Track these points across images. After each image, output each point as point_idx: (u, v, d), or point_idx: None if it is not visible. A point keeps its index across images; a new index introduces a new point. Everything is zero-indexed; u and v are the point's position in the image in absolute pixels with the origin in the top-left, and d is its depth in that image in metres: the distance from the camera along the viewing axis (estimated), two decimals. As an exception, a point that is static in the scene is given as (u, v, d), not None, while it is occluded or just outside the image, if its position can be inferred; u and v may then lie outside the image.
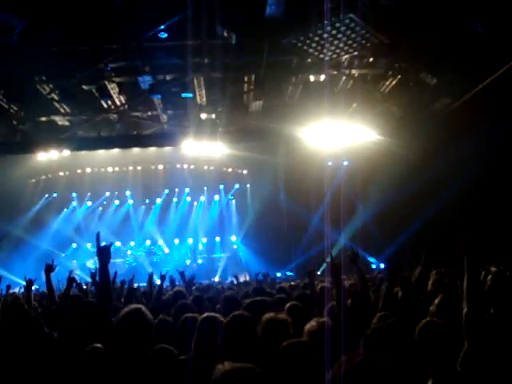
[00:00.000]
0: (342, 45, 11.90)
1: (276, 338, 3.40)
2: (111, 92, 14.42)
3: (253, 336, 3.59)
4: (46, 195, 21.03)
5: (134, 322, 3.24)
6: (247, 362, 2.49)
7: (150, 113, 17.12)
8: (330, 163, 20.01)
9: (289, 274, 18.29)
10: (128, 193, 21.47)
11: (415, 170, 16.52)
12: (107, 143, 18.13)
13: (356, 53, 12.69)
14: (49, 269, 5.79)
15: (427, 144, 15.90)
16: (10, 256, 18.89)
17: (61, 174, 21.22)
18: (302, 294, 6.32)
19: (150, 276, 7.59)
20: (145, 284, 8.86)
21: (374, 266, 17.83)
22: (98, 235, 3.53)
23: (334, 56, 12.53)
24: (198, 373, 3.38)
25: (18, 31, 11.13)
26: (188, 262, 20.29)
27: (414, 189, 16.55)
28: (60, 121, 16.46)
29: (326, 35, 11.43)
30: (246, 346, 3.44)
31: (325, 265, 6.80)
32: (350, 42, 11.82)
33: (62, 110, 15.66)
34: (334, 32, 11.35)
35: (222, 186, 22.13)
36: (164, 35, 11.98)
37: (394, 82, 14.65)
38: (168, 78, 14.29)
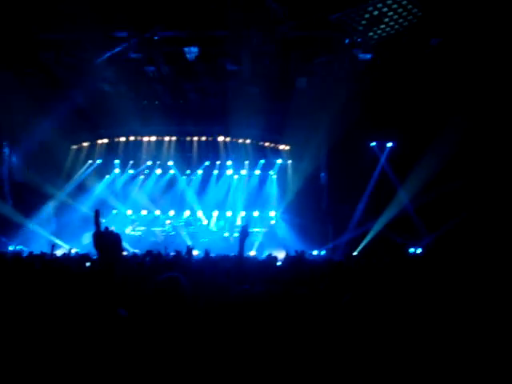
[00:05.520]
0: (392, 22, 11.65)
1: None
2: (157, 61, 14.52)
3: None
4: (89, 161, 21.37)
5: (170, 289, 3.21)
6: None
7: (194, 84, 17.16)
8: (373, 143, 19.74)
9: (323, 253, 18.16)
10: (170, 163, 21.60)
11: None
12: (151, 112, 18.35)
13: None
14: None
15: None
16: (54, 219, 19.42)
17: (105, 141, 21.57)
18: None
19: (189, 248, 7.64)
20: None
21: (411, 251, 17.55)
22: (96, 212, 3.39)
23: (384, 34, 12.28)
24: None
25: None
26: (226, 234, 20.45)
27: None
28: (106, 87, 16.65)
29: (376, 12, 11.21)
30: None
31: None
32: (400, 20, 11.56)
33: (108, 78, 15.84)
34: (384, 9, 11.11)
35: (262, 161, 22.07)
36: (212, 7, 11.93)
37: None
38: (214, 50, 14.24)
